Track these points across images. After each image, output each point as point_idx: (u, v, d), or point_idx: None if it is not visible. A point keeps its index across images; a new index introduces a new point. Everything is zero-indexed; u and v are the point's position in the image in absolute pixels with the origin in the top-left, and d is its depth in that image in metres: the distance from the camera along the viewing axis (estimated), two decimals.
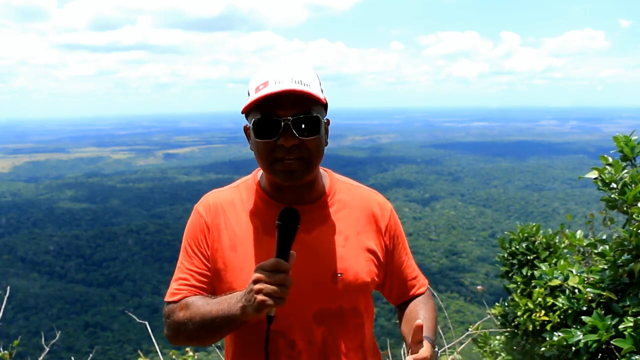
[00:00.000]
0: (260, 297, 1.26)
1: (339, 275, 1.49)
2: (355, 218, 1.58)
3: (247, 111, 1.45)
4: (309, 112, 1.39)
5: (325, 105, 1.47)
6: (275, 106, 1.37)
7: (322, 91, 1.45)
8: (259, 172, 1.61)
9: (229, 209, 1.55)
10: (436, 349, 1.48)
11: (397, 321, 1.72)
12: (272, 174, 1.45)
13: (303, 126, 1.38)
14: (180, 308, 1.47)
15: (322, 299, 1.49)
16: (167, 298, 1.53)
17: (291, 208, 1.37)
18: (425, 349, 1.38)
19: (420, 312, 1.62)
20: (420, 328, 1.37)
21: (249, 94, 1.45)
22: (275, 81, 1.37)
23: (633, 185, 2.12)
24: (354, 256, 1.53)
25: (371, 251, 1.57)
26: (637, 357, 1.86)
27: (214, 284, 1.52)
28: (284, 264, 1.29)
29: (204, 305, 1.43)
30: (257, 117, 1.39)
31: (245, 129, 1.52)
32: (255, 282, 1.28)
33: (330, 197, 1.58)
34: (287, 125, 1.37)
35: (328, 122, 1.51)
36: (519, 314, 2.71)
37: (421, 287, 1.72)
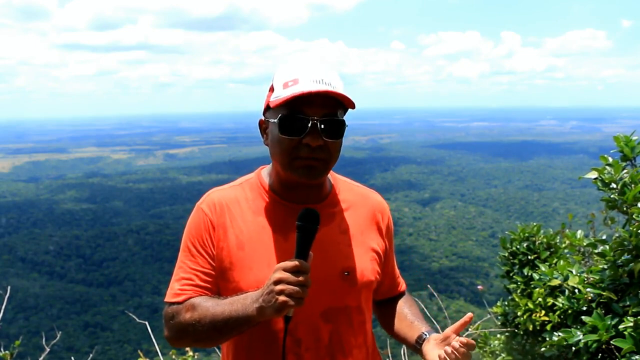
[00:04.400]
0: (282, 297, 1.25)
1: (347, 273, 1.50)
2: (359, 217, 1.59)
3: (274, 106, 1.42)
4: (336, 114, 1.40)
5: (346, 110, 1.47)
6: (304, 104, 1.37)
7: None
8: (262, 171, 1.60)
9: (234, 207, 1.52)
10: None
11: (378, 319, 1.79)
12: (290, 170, 1.43)
13: (329, 128, 1.39)
14: (186, 309, 1.43)
15: (330, 297, 1.49)
16: (170, 299, 1.47)
17: (312, 209, 1.35)
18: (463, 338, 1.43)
19: (411, 310, 1.72)
20: (471, 318, 1.46)
21: (273, 89, 1.44)
22: (307, 80, 1.37)
23: (633, 186, 2.12)
24: (359, 255, 1.54)
25: (374, 250, 1.59)
26: (637, 357, 1.86)
27: (218, 283, 1.49)
28: (306, 265, 1.28)
29: (214, 306, 1.39)
30: (284, 113, 1.39)
31: (261, 123, 1.51)
32: (277, 282, 1.26)
33: (335, 196, 1.58)
34: (314, 125, 1.37)
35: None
36: (519, 314, 2.71)
37: (403, 285, 1.81)
